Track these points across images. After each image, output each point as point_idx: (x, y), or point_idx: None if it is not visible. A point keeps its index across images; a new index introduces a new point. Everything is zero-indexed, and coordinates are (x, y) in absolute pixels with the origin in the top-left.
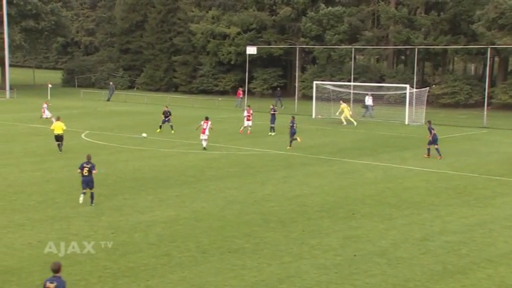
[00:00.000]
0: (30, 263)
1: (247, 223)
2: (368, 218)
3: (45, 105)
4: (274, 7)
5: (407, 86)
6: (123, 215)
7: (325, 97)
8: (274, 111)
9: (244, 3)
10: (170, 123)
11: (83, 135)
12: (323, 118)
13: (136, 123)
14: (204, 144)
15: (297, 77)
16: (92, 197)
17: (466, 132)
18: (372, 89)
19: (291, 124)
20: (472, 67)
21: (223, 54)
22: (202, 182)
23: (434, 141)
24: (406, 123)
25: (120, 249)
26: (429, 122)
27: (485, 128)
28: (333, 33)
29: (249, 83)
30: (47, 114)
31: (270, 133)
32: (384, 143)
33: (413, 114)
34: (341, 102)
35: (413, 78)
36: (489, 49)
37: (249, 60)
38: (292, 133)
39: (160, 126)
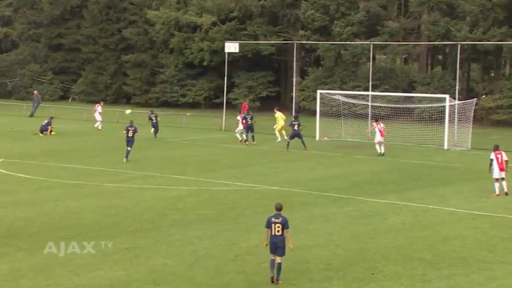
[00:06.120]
0: None
1: (226, 287)
2: (393, 279)
3: (99, 108)
4: None
5: (447, 96)
6: (52, 277)
7: (334, 111)
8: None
9: None
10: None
11: None
12: (330, 140)
13: (71, 147)
14: (382, 149)
15: (294, 83)
16: (127, 154)
17: None
18: (397, 100)
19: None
20: None
21: (192, 53)
22: (163, 230)
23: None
24: (446, 147)
25: None
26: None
27: None
28: (344, 24)
29: (228, 92)
30: (97, 117)
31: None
32: (415, 176)
33: (455, 135)
34: (275, 110)
35: (454, 86)
36: None
37: (228, 61)
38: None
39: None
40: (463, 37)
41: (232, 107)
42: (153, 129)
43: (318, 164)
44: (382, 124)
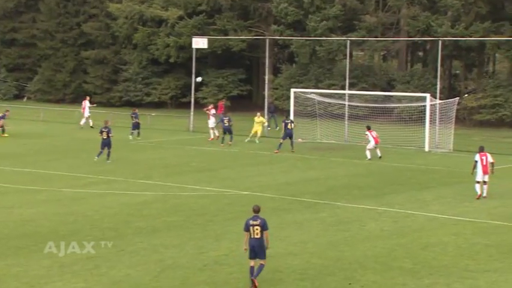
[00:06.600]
0: None
1: None
2: None
3: (86, 103)
4: None
5: (428, 95)
6: None
7: (308, 111)
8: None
9: None
10: None
11: None
12: (305, 142)
13: (27, 150)
14: (378, 153)
15: (266, 82)
16: (108, 155)
17: None
18: (375, 99)
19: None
20: None
21: (157, 49)
22: (127, 238)
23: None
24: (426, 149)
25: None
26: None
27: None
28: (319, 18)
29: (196, 90)
30: (86, 113)
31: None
32: (395, 179)
33: (436, 136)
34: (258, 115)
35: (435, 85)
36: None
37: (196, 58)
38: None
39: None
40: (444, 33)
41: (201, 106)
42: (136, 131)
43: (292, 167)
44: (374, 132)
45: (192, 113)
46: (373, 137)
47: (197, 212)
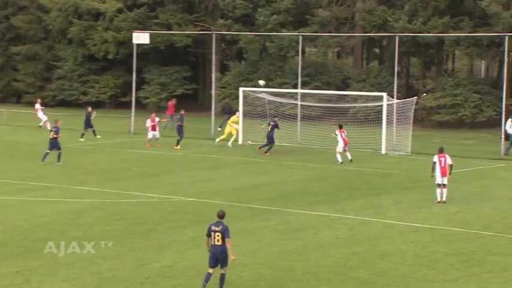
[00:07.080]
0: None
1: None
2: None
3: (37, 106)
4: None
5: (385, 94)
6: None
7: (259, 112)
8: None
9: None
10: None
11: None
12: (255, 144)
13: None
14: (349, 156)
15: (213, 80)
16: (59, 156)
17: (475, 166)
18: (330, 99)
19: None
20: (482, 66)
21: (95, 44)
22: (61, 249)
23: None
24: (383, 152)
25: None
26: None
27: (503, 160)
28: (269, 12)
29: (137, 89)
30: (41, 116)
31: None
32: (350, 184)
33: (393, 138)
34: (237, 114)
35: (392, 83)
36: (507, 38)
37: (137, 54)
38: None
39: None
40: (401, 28)
41: (142, 106)
42: (89, 129)
43: (242, 171)
44: (345, 132)
45: (133, 114)
46: (343, 138)
47: (138, 220)
